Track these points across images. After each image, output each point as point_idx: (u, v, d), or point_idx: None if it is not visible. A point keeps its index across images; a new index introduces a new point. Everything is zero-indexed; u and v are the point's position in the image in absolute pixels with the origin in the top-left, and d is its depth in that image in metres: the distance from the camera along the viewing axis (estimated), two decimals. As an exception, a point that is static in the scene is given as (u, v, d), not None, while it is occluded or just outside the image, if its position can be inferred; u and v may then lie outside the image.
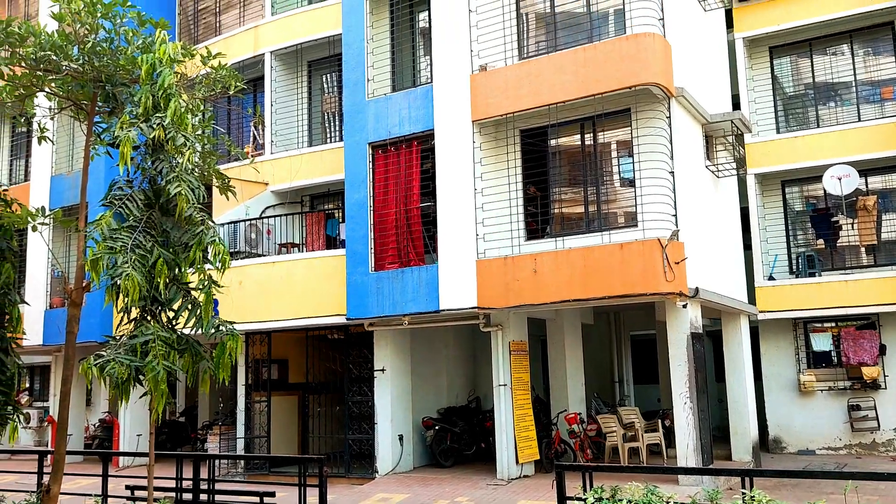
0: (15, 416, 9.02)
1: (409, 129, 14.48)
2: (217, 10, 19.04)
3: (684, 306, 12.42)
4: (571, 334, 15.79)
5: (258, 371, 16.54)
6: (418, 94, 14.56)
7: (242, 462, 15.96)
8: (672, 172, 12.36)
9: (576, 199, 13.76)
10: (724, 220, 15.54)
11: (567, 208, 13.87)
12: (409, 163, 14.46)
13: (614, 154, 13.78)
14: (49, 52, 8.26)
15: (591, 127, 13.34)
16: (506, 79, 13.42)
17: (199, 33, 19.22)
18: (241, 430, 16.31)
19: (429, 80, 14.71)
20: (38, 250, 19.58)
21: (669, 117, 12.57)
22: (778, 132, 18.00)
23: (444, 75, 14.12)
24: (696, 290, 12.46)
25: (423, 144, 14.40)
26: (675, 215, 12.27)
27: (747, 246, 17.45)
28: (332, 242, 16.75)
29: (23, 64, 8.79)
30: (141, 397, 8.16)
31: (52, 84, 8.86)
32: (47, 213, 8.62)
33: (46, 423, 21.37)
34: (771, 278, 17.41)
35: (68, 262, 19.75)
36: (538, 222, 13.88)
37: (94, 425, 20.28)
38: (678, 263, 11.94)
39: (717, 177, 15.13)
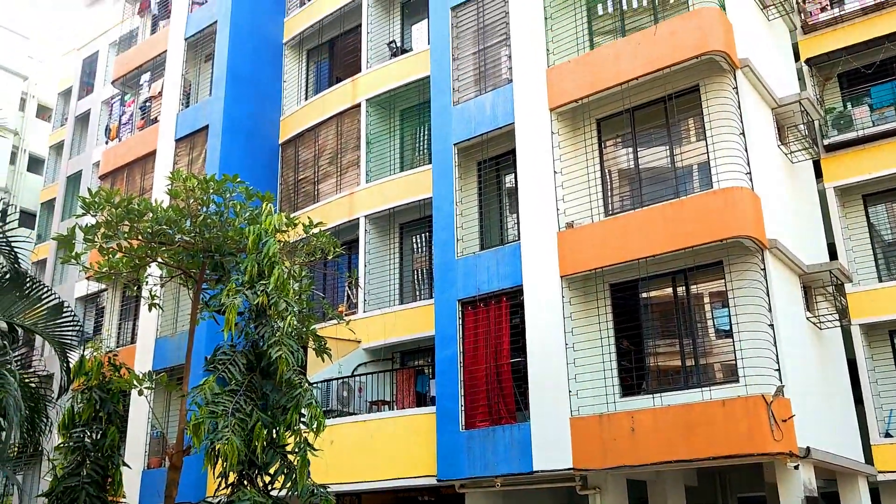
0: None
1: (498, 286, 14.66)
2: (315, 179, 20.24)
3: (796, 467, 11.64)
4: (675, 497, 14.91)
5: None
6: (506, 251, 14.84)
7: None
8: (771, 325, 11.99)
9: (671, 353, 13.43)
10: (830, 374, 14.80)
11: (663, 362, 13.52)
12: (498, 319, 14.53)
13: (708, 306, 13.52)
14: (164, 227, 8.91)
15: (683, 280, 13.21)
16: (593, 235, 13.58)
17: (299, 201, 20.35)
18: None
19: (516, 238, 15.01)
20: (140, 411, 20.17)
21: (764, 269, 12.35)
22: (880, 280, 17.35)
23: (531, 233, 14.41)
24: (808, 449, 11.71)
25: (511, 300, 14.50)
26: (779, 370, 11.77)
27: (857, 400, 16.43)
28: (422, 399, 16.68)
29: (139, 237, 9.47)
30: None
31: (165, 255, 9.48)
32: (154, 377, 8.98)
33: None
34: (888, 435, 16.23)
35: (167, 421, 20.23)
36: (633, 377, 13.52)
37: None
38: (785, 421, 11.32)
39: (820, 328, 14.57)
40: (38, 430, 9.33)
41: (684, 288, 13.27)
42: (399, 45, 19.94)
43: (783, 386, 11.46)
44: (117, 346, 22.52)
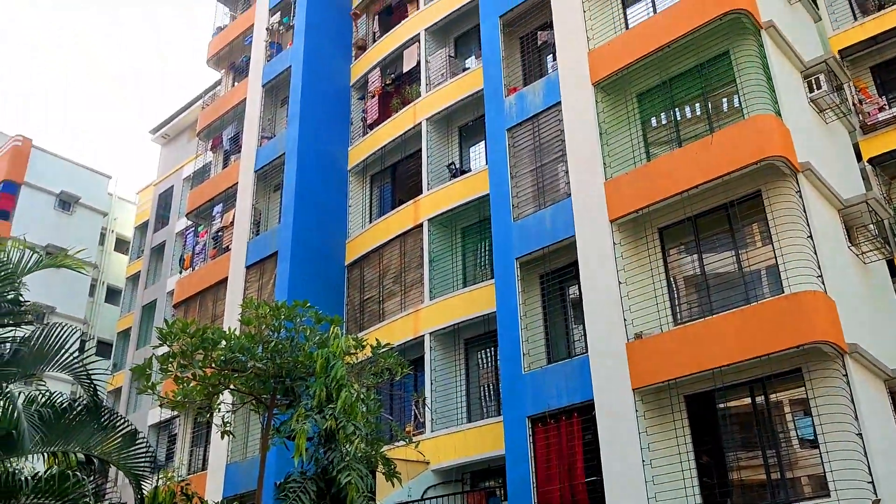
0: None
1: (568, 401, 14.37)
2: (381, 299, 20.54)
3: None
4: None
5: None
6: (574, 365, 14.62)
7: None
8: (860, 434, 11.37)
9: (755, 466, 12.79)
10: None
11: (746, 476, 12.86)
12: (570, 435, 14.16)
13: (790, 415, 12.94)
14: (237, 354, 9.10)
15: (762, 389, 12.73)
16: (663, 345, 13.31)
17: (365, 320, 20.61)
18: None
19: (584, 351, 14.80)
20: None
21: (846, 375, 11.84)
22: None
23: (599, 345, 14.20)
24: (915, 569, 10.82)
25: (583, 416, 14.15)
26: (872, 482, 11.07)
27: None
28: (495, 523, 16.11)
29: (213, 365, 9.68)
30: None
31: (237, 382, 9.63)
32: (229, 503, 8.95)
33: None
34: None
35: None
36: (716, 494, 12.86)
37: None
38: (887, 539, 10.54)
39: (914, 435, 13.73)
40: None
41: (763, 397, 12.77)
42: (458, 166, 20.54)
43: (879, 500, 10.75)
44: (189, 473, 22.58)
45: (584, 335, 14.80)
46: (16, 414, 7.52)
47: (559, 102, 16.69)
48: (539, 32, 18.55)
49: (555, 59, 17.61)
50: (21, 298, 9.24)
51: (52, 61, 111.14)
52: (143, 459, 9.48)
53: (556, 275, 16.16)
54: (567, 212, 15.69)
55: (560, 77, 16.81)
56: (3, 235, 31.46)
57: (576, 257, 15.25)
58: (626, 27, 16.42)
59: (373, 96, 23.09)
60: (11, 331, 9.55)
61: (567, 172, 16.13)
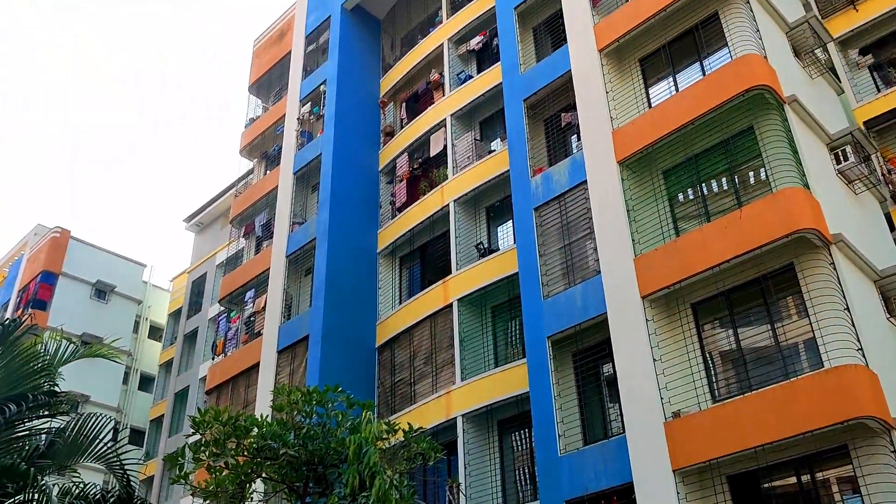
0: None
1: (607, 484, 13.99)
2: (412, 381, 20.39)
3: None
4: None
5: None
6: (612, 446, 14.28)
7: None
8: (915, 514, 10.88)
9: (805, 550, 12.24)
10: None
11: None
12: (610, 520, 13.70)
13: (838, 494, 12.42)
14: (269, 441, 9.04)
15: (807, 467, 12.30)
16: (702, 424, 12.98)
17: (396, 403, 20.42)
18: None
19: (621, 430, 14.47)
20: None
21: (895, 451, 11.41)
22: None
23: (636, 425, 13.88)
24: None
25: (623, 499, 13.73)
26: (933, 566, 10.52)
27: None
28: None
29: (245, 453, 9.61)
30: None
31: (270, 469, 9.54)
32: None
33: None
34: None
35: None
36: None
37: None
38: None
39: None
40: None
41: (809, 476, 12.32)
42: (486, 245, 20.66)
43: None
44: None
45: (621, 415, 14.50)
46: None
47: (585, 181, 16.85)
48: (563, 114, 18.89)
49: (579, 138, 17.86)
50: (57, 389, 9.33)
51: (95, 151, 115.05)
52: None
53: (590, 353, 15.98)
54: (597, 289, 15.62)
55: (585, 156, 17.02)
56: (41, 325, 32.02)
57: (608, 334, 15.09)
58: (649, 106, 16.67)
59: (401, 180, 23.50)
60: (47, 422, 9.62)
61: (596, 249, 16.13)
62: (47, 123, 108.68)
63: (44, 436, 9.33)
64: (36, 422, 9.16)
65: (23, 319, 8.91)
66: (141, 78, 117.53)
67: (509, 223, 20.30)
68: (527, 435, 17.61)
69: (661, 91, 16.84)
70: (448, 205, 21.18)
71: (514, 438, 18.25)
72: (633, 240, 15.35)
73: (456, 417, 18.21)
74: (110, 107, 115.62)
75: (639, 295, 14.69)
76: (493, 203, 21.11)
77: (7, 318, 9.00)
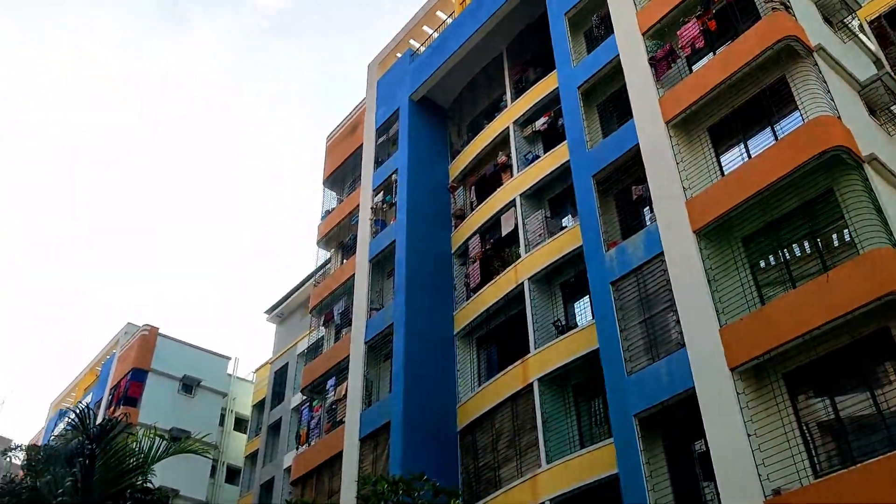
0: None
1: (708, 569, 13.23)
2: (496, 465, 19.99)
3: None
4: None
5: None
6: (710, 528, 13.58)
7: None
8: None
9: None
10: None
11: None
12: None
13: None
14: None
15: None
16: (804, 501, 12.27)
17: (481, 489, 19.98)
18: None
19: (720, 514, 13.77)
20: None
21: None
22: None
23: (735, 505, 13.21)
24: None
25: (727, 586, 12.96)
26: None
27: None
28: None
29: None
30: None
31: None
32: None
33: None
34: None
35: None
36: None
37: None
38: None
39: None
40: None
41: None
42: (564, 322, 20.44)
43: None
44: None
45: (717, 494, 13.85)
46: None
47: (661, 252, 16.62)
48: (633, 187, 18.82)
49: (652, 210, 17.73)
50: (150, 486, 9.52)
51: (183, 248, 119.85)
52: None
53: (679, 429, 15.41)
54: (683, 362, 15.18)
55: (659, 228, 16.83)
56: (133, 422, 32.85)
57: (698, 409, 14.56)
58: (722, 174, 16.50)
59: (474, 261, 23.66)
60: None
61: (678, 322, 15.75)
62: (134, 221, 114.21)
63: (138, 534, 9.48)
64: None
65: (118, 418, 9.19)
66: (223, 181, 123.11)
67: (586, 299, 20.10)
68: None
69: (733, 158, 16.66)
70: (522, 283, 21.15)
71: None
72: (716, 310, 14.96)
73: (544, 503, 17.68)
74: (191, 207, 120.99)
75: (727, 367, 14.21)
76: (567, 279, 20.98)
77: (104, 418, 9.30)
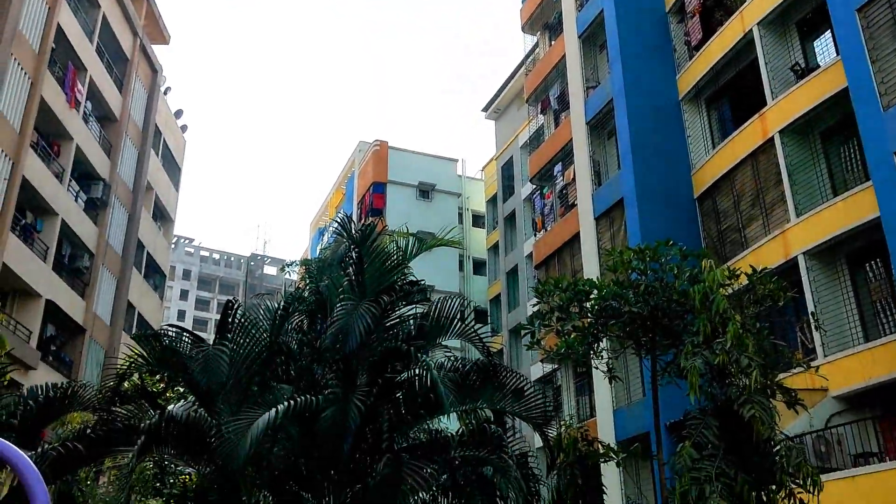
0: None
1: None
2: (740, 225, 19.45)
3: None
4: None
5: None
6: None
7: None
8: None
9: None
10: None
11: None
12: None
13: None
14: (610, 302, 9.28)
15: None
16: None
17: (727, 251, 19.68)
18: None
19: None
20: (609, 482, 20.70)
21: None
22: None
23: None
24: None
25: None
26: None
27: None
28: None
29: (588, 315, 9.98)
30: None
31: (614, 328, 9.82)
32: (629, 448, 9.21)
33: None
34: None
35: (639, 491, 20.43)
36: None
37: None
38: None
39: None
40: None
41: None
42: (803, 65, 18.59)
43: None
44: (578, 422, 23.63)
45: None
46: (434, 380, 8.49)
47: (919, -38, 14.23)
48: None
49: (904, -87, 14.99)
50: (415, 279, 10.39)
51: (391, 64, 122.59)
52: (540, 410, 10.13)
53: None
54: (953, 86, 13.37)
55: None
56: (380, 230, 35.65)
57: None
58: None
59: (693, 16, 21.82)
60: (410, 309, 10.80)
61: (944, 40, 13.72)
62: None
63: (411, 321, 10.52)
64: (403, 309, 10.33)
65: (374, 223, 9.98)
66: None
67: (827, 34, 18.03)
68: (882, 264, 16.03)
69: None
70: (751, 30, 19.31)
71: (867, 271, 16.73)
72: None
73: (796, 257, 17.10)
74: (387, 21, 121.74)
75: None
76: (803, 15, 18.81)
77: (361, 224, 10.15)
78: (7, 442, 3.07)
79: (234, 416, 8.55)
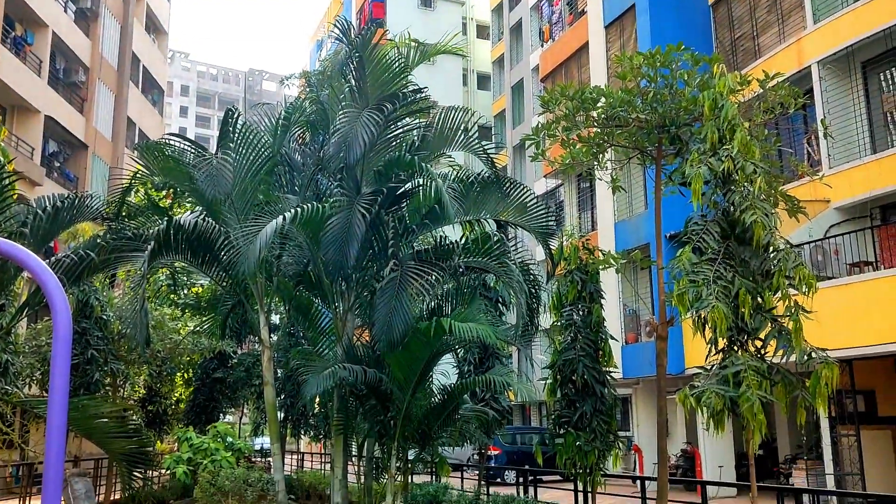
0: (616, 444, 9.92)
1: None
2: (754, 33, 18.74)
3: None
4: None
5: (841, 402, 15.30)
6: None
7: (835, 499, 14.83)
8: None
9: None
10: None
11: None
12: None
13: None
14: (617, 109, 9.09)
15: None
16: None
17: (739, 60, 19.11)
18: (829, 465, 15.22)
19: None
20: (609, 291, 21.40)
21: None
22: None
23: None
24: None
25: None
26: None
27: None
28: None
29: (595, 124, 9.82)
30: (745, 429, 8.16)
31: (621, 137, 9.70)
32: (627, 256, 9.39)
33: (633, 452, 22.92)
34: None
35: (637, 299, 21.18)
36: None
37: (676, 455, 21.04)
38: None
39: None
40: (534, 311, 10.50)
41: None
42: None
43: None
44: (580, 235, 24.07)
45: None
46: (438, 188, 8.51)
47: None
48: None
49: None
50: (420, 87, 10.13)
51: None
52: (544, 220, 10.25)
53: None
54: None
55: None
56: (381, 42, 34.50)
57: None
58: None
59: None
60: (415, 120, 10.65)
61: None
62: None
63: (415, 132, 10.40)
64: (407, 119, 10.18)
65: (374, 27, 9.58)
66: None
67: None
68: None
69: None
70: None
71: (881, 79, 16.31)
72: None
73: (810, 65, 16.61)
74: None
75: None
76: None
77: (362, 27, 9.75)
78: (23, 247, 3.10)
79: (242, 224, 8.67)
